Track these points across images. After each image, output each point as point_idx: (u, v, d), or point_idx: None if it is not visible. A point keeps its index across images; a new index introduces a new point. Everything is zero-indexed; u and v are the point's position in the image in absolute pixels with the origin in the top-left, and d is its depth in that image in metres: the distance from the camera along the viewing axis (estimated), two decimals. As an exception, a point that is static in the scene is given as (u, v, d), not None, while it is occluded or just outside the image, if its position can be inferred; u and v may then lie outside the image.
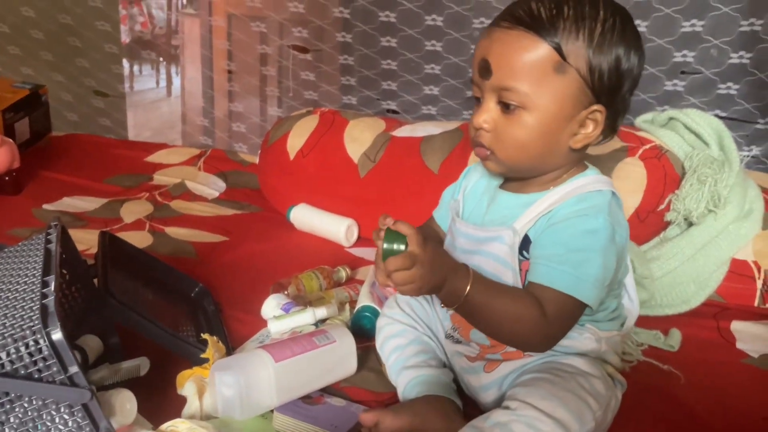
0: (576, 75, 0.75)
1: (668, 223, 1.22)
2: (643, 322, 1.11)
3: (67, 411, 0.66)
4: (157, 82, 2.18)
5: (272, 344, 0.88)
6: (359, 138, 1.45)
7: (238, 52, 1.93)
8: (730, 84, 1.47)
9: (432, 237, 0.92)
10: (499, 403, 0.79)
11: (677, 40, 1.46)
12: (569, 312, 0.77)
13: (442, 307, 0.87)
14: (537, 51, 0.74)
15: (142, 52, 2.10)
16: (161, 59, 2.14)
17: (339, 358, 0.89)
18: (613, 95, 0.77)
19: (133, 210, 1.48)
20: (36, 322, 0.63)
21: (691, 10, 1.41)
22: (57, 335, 0.63)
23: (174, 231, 1.39)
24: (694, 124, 1.27)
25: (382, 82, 1.75)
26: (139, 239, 1.33)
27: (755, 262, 1.18)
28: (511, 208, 0.82)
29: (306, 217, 1.44)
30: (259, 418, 0.83)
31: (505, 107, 0.77)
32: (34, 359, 0.64)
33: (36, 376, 0.64)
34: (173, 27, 2.12)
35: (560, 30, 0.74)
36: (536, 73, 0.75)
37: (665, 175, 1.23)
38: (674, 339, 1.07)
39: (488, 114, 0.78)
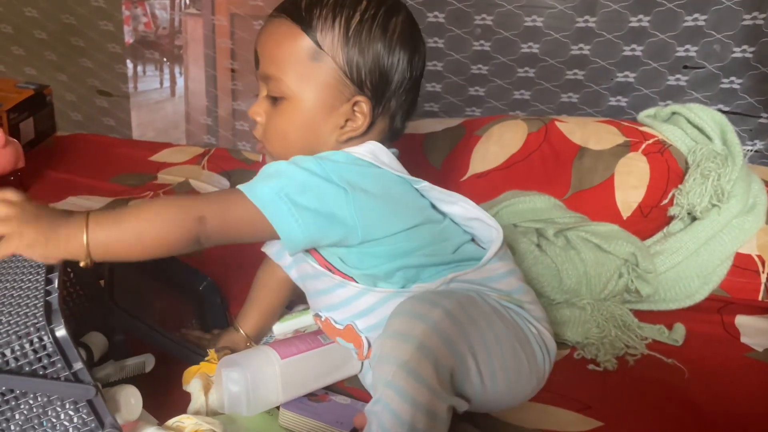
0: (333, 64, 0.75)
1: (671, 218, 1.22)
2: (648, 316, 1.11)
3: (72, 407, 0.67)
4: (161, 82, 2.18)
5: (278, 342, 0.89)
6: (362, 135, 1.45)
7: (242, 50, 1.93)
8: (733, 78, 1.47)
9: None
10: None
11: (680, 34, 1.46)
12: (236, 206, 0.72)
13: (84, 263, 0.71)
14: (293, 39, 0.75)
15: (145, 53, 2.10)
16: (165, 59, 2.14)
17: (343, 356, 0.89)
18: (379, 90, 0.76)
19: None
20: (40, 319, 0.63)
21: (694, 5, 1.41)
22: (61, 332, 0.64)
23: (178, 229, 1.40)
24: (697, 119, 1.27)
25: (385, 80, 1.75)
26: (144, 238, 1.34)
27: (759, 256, 1.18)
28: None
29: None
30: (264, 415, 0.83)
31: (273, 99, 0.77)
32: (38, 356, 0.64)
33: (40, 373, 0.65)
34: (176, 27, 2.12)
35: (315, 17, 0.74)
36: (293, 61, 0.75)
37: (668, 169, 1.23)
38: (678, 333, 1.07)
39: (260, 105, 0.79)
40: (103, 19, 1.99)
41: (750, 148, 1.49)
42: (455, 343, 0.69)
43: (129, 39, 2.04)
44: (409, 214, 0.80)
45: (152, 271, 1.08)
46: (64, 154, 1.77)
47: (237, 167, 1.72)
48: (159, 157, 1.79)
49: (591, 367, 0.98)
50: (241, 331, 0.96)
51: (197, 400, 0.83)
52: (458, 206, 0.83)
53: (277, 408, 0.84)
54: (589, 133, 1.29)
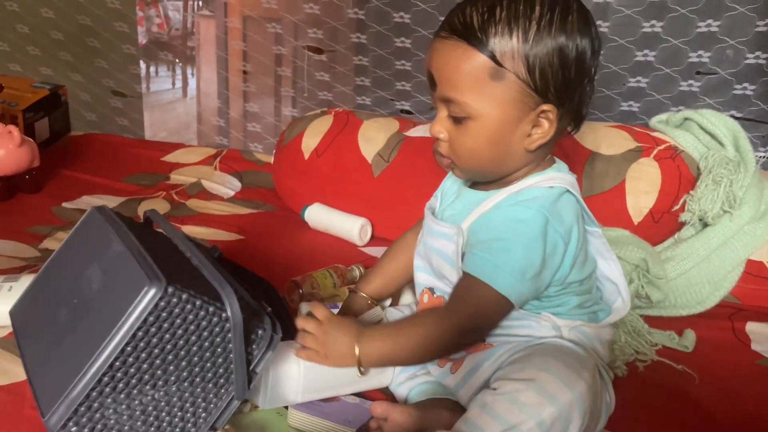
0: (515, 78, 0.73)
1: (683, 224, 1.22)
2: (658, 322, 1.11)
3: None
4: (173, 83, 2.20)
5: None
6: (373, 138, 1.46)
7: (254, 52, 1.94)
8: (746, 84, 1.46)
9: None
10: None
11: (693, 40, 1.45)
12: (486, 302, 0.76)
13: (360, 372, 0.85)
14: (471, 61, 0.73)
15: (158, 54, 2.12)
16: (177, 60, 2.16)
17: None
18: (562, 91, 0.75)
19: (151, 208, 1.50)
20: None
21: (707, 11, 1.41)
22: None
23: (190, 230, 1.41)
24: (709, 125, 1.26)
25: (396, 83, 1.76)
26: (156, 237, 1.35)
27: (771, 263, 1.18)
28: (466, 205, 0.83)
29: (320, 217, 1.46)
30: (273, 414, 0.84)
31: (455, 119, 0.77)
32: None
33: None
34: (189, 28, 2.14)
35: (491, 35, 0.72)
36: (473, 82, 0.74)
37: (680, 175, 1.23)
38: (689, 340, 1.07)
39: (441, 124, 0.78)
40: (118, 20, 2.01)
41: (762, 154, 1.48)
42: (583, 417, 0.71)
43: (142, 40, 2.06)
44: (590, 262, 0.85)
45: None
46: (78, 153, 1.79)
47: (249, 168, 1.74)
48: (171, 157, 1.80)
49: (601, 372, 0.98)
50: (362, 293, 0.99)
51: None
52: (610, 263, 0.87)
53: (286, 408, 0.84)
54: (601, 138, 1.29)
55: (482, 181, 0.84)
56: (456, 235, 0.81)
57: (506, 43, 0.72)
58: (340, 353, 0.79)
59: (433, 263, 0.85)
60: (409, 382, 0.89)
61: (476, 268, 0.76)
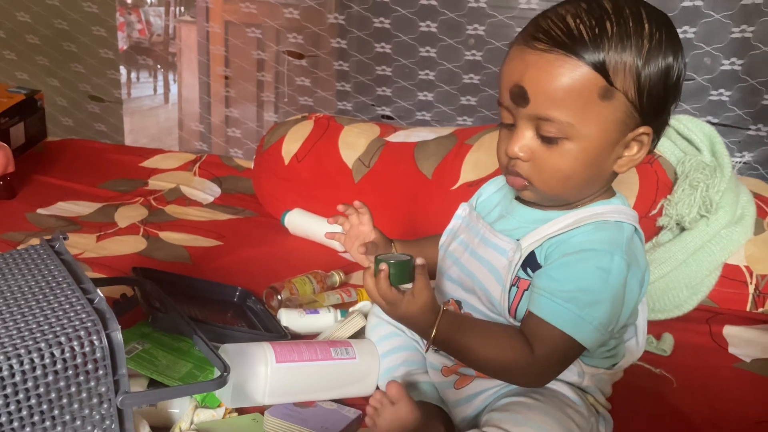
0: (624, 99, 0.68)
1: (660, 228, 1.23)
2: (636, 326, 1.11)
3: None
4: (155, 89, 2.18)
5: (283, 343, 0.87)
6: (354, 143, 1.46)
7: (235, 58, 1.94)
8: (722, 90, 1.48)
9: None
10: (468, 423, 0.78)
11: (670, 46, 1.47)
12: (565, 352, 0.72)
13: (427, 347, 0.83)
14: (580, 77, 0.67)
15: (139, 59, 2.10)
16: (158, 66, 2.14)
17: (354, 376, 0.87)
18: (661, 112, 0.71)
19: (128, 214, 1.48)
20: (93, 323, 0.62)
21: (683, 17, 1.43)
22: (117, 336, 0.63)
23: (168, 236, 1.39)
24: (686, 130, 1.27)
25: (377, 88, 1.76)
26: (134, 244, 1.33)
27: (747, 267, 1.19)
28: (522, 222, 0.77)
29: (300, 222, 1.45)
30: (249, 420, 0.83)
31: (544, 138, 0.70)
32: (86, 360, 0.62)
33: (82, 378, 0.63)
34: (170, 34, 2.13)
35: (605, 51, 0.66)
36: (580, 101, 0.67)
37: (657, 180, 1.23)
38: (667, 343, 1.07)
39: (523, 142, 0.71)
40: (96, 24, 1.99)
41: (738, 159, 1.50)
42: None
43: (123, 45, 2.04)
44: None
45: (183, 289, 1.08)
46: (54, 159, 1.76)
47: (228, 174, 1.72)
48: (150, 163, 1.78)
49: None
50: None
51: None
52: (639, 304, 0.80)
53: (262, 413, 0.83)
54: (580, 143, 1.30)
55: (554, 204, 0.76)
56: (512, 251, 0.74)
57: (619, 62, 0.66)
58: (428, 308, 0.72)
59: (474, 273, 0.78)
60: (402, 373, 0.87)
61: (561, 318, 0.70)
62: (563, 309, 0.70)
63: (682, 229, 1.21)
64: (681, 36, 1.46)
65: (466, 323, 0.75)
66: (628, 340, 0.83)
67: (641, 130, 0.70)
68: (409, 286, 0.71)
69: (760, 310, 1.18)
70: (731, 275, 1.19)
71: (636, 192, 1.22)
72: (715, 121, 1.48)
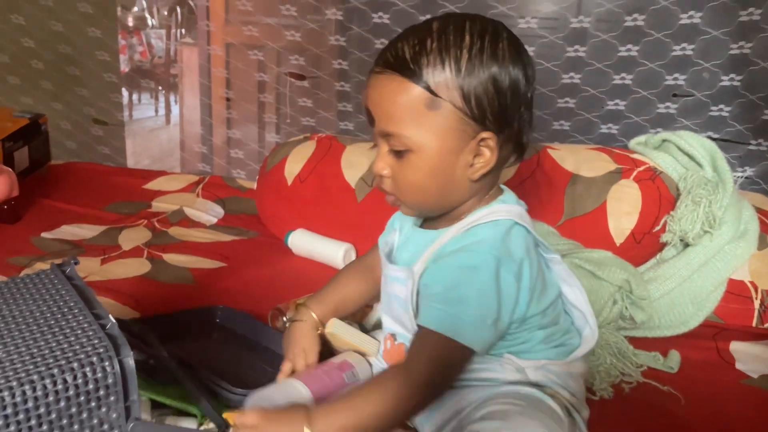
0: (451, 107, 0.73)
1: (664, 245, 1.23)
2: (642, 343, 1.11)
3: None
4: (156, 110, 2.20)
5: (307, 377, 0.86)
6: (356, 163, 1.46)
7: (236, 79, 1.95)
8: (721, 106, 1.49)
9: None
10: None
11: (668, 63, 1.48)
12: (449, 354, 0.73)
13: None
14: (406, 92, 0.73)
15: (141, 81, 2.12)
16: (160, 88, 2.16)
17: None
18: (500, 118, 0.75)
19: (132, 237, 1.49)
20: (105, 349, 0.62)
21: (682, 35, 1.44)
22: (130, 362, 0.63)
23: (172, 258, 1.39)
24: (687, 146, 1.28)
25: (379, 108, 1.77)
26: (137, 266, 1.33)
27: (752, 282, 1.19)
28: (418, 246, 0.81)
29: (304, 242, 1.45)
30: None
31: (396, 153, 0.76)
32: (97, 386, 0.62)
33: (93, 404, 0.63)
34: (172, 56, 2.15)
35: (425, 66, 0.72)
36: (411, 114, 0.74)
37: (660, 196, 1.24)
38: (673, 360, 1.07)
39: (383, 161, 0.78)
40: (100, 49, 2.01)
41: (740, 174, 1.51)
42: None
43: (124, 68, 2.06)
44: (550, 291, 0.81)
45: (165, 323, 1.05)
46: (58, 182, 1.77)
47: (232, 194, 1.73)
48: (153, 185, 1.79)
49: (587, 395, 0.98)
50: (313, 315, 0.94)
51: None
52: (573, 290, 0.84)
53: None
54: (581, 160, 1.31)
55: (430, 216, 0.82)
56: (407, 278, 0.79)
57: (440, 73, 0.72)
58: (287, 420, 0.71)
59: (393, 307, 0.83)
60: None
61: (435, 320, 0.73)
62: (436, 311, 0.74)
63: (686, 245, 1.21)
64: (679, 53, 1.49)
65: (344, 401, 0.73)
66: (582, 329, 0.84)
67: (482, 135, 0.74)
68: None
69: (766, 325, 1.17)
70: (736, 291, 1.19)
71: (639, 208, 1.23)
72: (716, 136, 1.49)
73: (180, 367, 0.86)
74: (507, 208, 0.80)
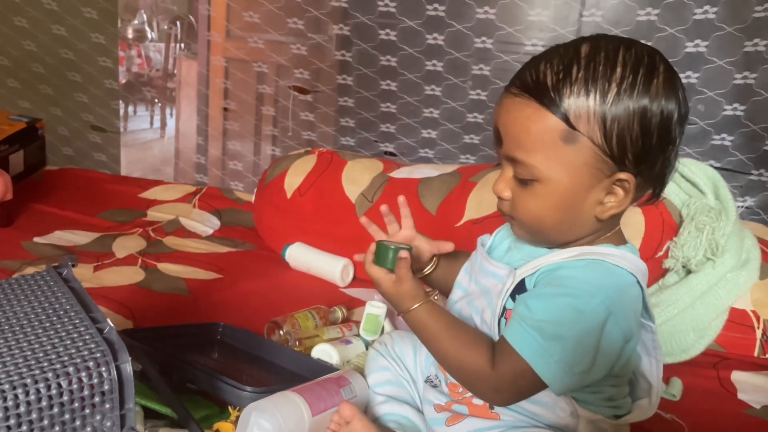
0: (589, 143, 0.67)
1: (667, 270, 1.22)
2: (644, 369, 1.09)
3: None
4: (151, 122, 2.19)
5: (306, 391, 0.84)
6: (357, 178, 1.45)
7: (237, 90, 1.94)
8: (724, 135, 1.49)
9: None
10: None
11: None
12: (524, 380, 0.70)
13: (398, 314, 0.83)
14: (542, 121, 0.68)
15: (137, 93, 2.11)
16: (156, 100, 2.15)
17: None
18: (642, 159, 0.68)
19: (126, 245, 1.46)
20: (103, 354, 0.60)
21: (687, 63, 1.45)
22: (128, 368, 0.61)
23: (166, 267, 1.37)
24: (690, 173, 1.28)
25: (381, 125, 1.76)
26: (131, 275, 1.31)
27: (754, 312, 1.18)
28: (525, 255, 0.77)
29: (301, 256, 1.43)
30: None
31: (521, 180, 0.72)
32: (93, 392, 0.60)
33: (87, 410, 0.60)
34: (170, 69, 2.14)
35: (566, 96, 0.67)
36: (543, 144, 0.68)
37: (663, 222, 1.23)
38: (676, 388, 1.05)
39: (505, 183, 0.73)
40: (102, 55, 2.00)
41: (741, 204, 1.50)
42: None
43: (122, 79, 2.05)
44: (636, 355, 0.78)
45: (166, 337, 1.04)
46: (52, 187, 1.75)
47: (229, 206, 1.71)
48: (149, 194, 1.77)
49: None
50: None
51: None
52: (652, 362, 0.78)
53: None
54: (585, 184, 1.30)
55: (542, 244, 0.76)
56: (506, 276, 0.75)
57: (582, 106, 0.67)
58: (408, 294, 0.77)
59: (475, 301, 0.79)
60: (388, 405, 0.86)
61: (524, 346, 0.69)
62: (528, 335, 0.69)
63: (688, 272, 1.20)
64: (685, 81, 1.49)
65: (444, 317, 0.77)
66: (641, 398, 0.79)
67: (620, 176, 0.69)
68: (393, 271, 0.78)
69: (768, 355, 1.17)
70: (738, 320, 1.18)
71: (642, 233, 1.22)
72: (717, 165, 1.49)
73: (162, 374, 0.84)
74: (634, 259, 0.73)
